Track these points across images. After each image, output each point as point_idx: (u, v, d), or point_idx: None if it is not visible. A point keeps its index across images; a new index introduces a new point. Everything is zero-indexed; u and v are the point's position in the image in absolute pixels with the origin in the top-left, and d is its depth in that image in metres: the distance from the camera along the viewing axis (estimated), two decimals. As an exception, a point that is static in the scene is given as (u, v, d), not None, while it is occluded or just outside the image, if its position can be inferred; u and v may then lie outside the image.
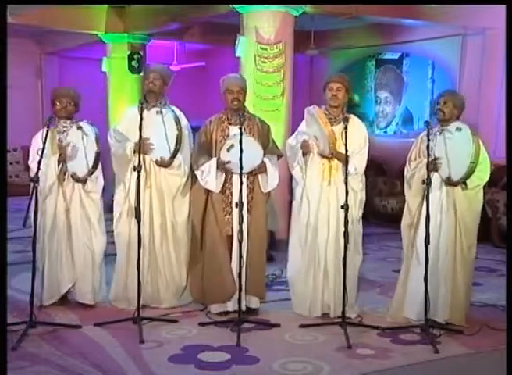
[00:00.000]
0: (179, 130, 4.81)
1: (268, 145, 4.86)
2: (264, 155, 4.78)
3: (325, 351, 4.18)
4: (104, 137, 5.01)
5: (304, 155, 4.78)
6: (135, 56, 10.40)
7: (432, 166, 4.46)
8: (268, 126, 4.99)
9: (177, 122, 4.82)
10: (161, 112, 4.80)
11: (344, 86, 4.76)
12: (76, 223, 4.91)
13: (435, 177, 4.52)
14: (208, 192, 4.81)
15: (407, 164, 4.77)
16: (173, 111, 4.89)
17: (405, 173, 4.77)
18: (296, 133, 4.94)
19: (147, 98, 4.93)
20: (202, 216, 4.83)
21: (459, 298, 4.60)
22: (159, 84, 4.92)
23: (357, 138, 4.75)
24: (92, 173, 4.81)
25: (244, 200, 4.69)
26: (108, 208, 5.13)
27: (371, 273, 6.13)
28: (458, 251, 4.57)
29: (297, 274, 4.92)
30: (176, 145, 4.81)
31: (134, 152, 4.80)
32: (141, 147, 4.64)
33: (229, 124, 4.81)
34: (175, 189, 4.95)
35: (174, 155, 4.84)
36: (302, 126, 4.89)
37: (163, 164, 4.87)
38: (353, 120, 4.80)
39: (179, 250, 5.02)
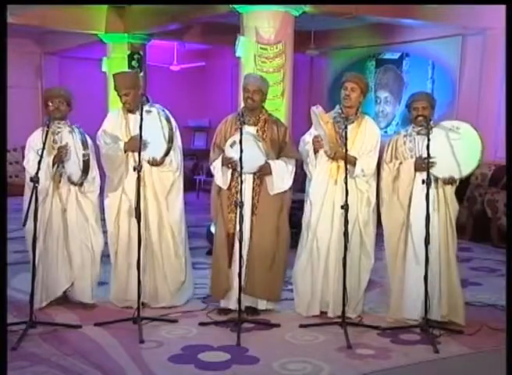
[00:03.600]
0: (171, 128, 4.79)
1: (284, 148, 4.84)
2: (280, 157, 4.78)
3: (325, 351, 4.19)
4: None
5: (315, 152, 4.77)
6: (135, 56, 10.41)
7: (426, 164, 4.45)
8: (286, 128, 4.96)
9: (168, 120, 4.80)
10: (150, 112, 4.74)
11: (359, 87, 4.72)
12: (73, 224, 4.89)
13: (424, 176, 4.49)
14: (220, 190, 4.85)
15: (384, 166, 4.76)
16: (164, 110, 4.86)
17: (383, 174, 4.76)
18: (310, 130, 4.92)
19: (128, 108, 4.90)
20: (216, 212, 4.89)
21: (455, 296, 4.62)
22: (132, 96, 4.83)
23: (369, 140, 4.75)
24: (85, 177, 4.79)
25: (248, 200, 4.70)
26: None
27: (371, 273, 6.11)
28: (450, 249, 4.62)
29: (298, 273, 4.92)
30: (169, 143, 4.79)
31: (125, 152, 4.83)
32: (141, 147, 4.62)
33: (244, 123, 4.78)
34: (168, 185, 4.94)
35: (167, 154, 4.84)
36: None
37: (155, 163, 4.86)
38: (367, 121, 4.81)
39: (177, 246, 5.01)
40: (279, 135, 4.85)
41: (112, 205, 4.98)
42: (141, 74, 10.42)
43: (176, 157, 4.92)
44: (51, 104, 4.85)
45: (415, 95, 4.73)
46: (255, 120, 4.81)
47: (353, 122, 4.69)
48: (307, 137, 4.86)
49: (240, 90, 4.93)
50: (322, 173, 4.77)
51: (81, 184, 4.85)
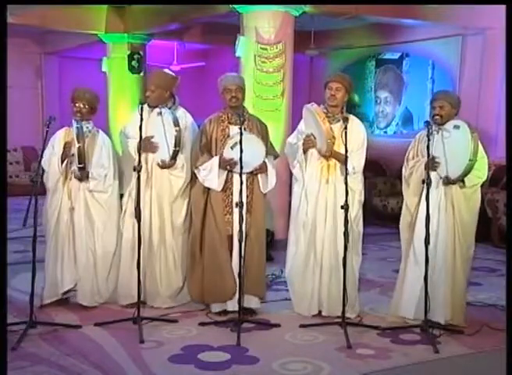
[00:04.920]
0: (178, 131, 4.77)
1: (266, 146, 4.86)
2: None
3: (325, 351, 4.18)
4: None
5: (304, 152, 4.78)
6: (135, 56, 10.41)
7: (431, 165, 4.46)
8: (266, 126, 5.00)
9: (176, 123, 4.78)
10: (161, 114, 4.78)
11: (344, 86, 4.75)
12: (80, 223, 4.90)
13: (434, 176, 4.51)
14: (208, 192, 4.81)
15: (405, 163, 4.78)
16: (172, 113, 4.85)
17: (403, 172, 4.78)
18: (296, 131, 4.95)
19: (148, 103, 4.91)
20: (202, 216, 4.82)
21: (459, 299, 4.60)
22: (156, 94, 4.88)
23: (356, 138, 4.75)
24: (81, 169, 4.77)
25: (244, 200, 4.70)
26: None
27: (371, 273, 6.12)
28: (457, 251, 4.57)
29: (295, 273, 4.92)
30: (175, 146, 4.78)
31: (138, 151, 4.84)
32: (142, 147, 4.63)
33: (229, 123, 4.80)
34: (176, 191, 4.94)
35: (174, 157, 4.83)
36: (301, 125, 4.90)
37: (164, 166, 4.87)
38: (353, 120, 4.80)
39: (178, 251, 5.01)
40: (262, 133, 4.88)
41: (124, 202, 5.02)
42: (141, 74, 10.47)
43: (187, 162, 4.89)
44: (74, 106, 4.90)
45: (435, 94, 4.77)
46: (240, 120, 4.76)
47: (339, 121, 4.69)
48: (293, 140, 4.88)
49: (221, 92, 4.89)
50: (314, 172, 4.77)
51: (87, 178, 4.84)
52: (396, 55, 10.51)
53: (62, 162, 4.81)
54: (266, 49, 7.28)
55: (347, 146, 4.48)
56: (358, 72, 10.78)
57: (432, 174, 4.49)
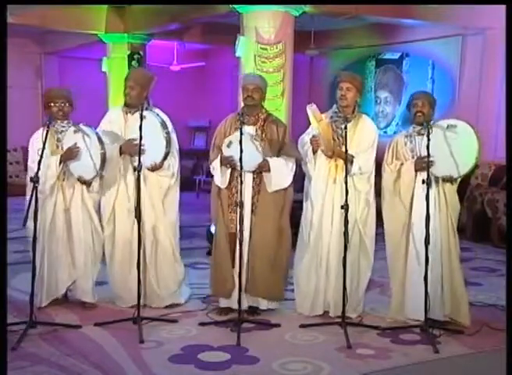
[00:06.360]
0: (167, 133, 4.75)
1: (284, 147, 4.83)
2: (279, 156, 4.76)
3: (325, 351, 4.18)
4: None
5: (314, 152, 4.77)
6: (135, 56, 10.41)
7: (426, 164, 4.45)
8: (285, 127, 4.95)
9: (164, 125, 4.76)
10: (144, 117, 4.64)
11: (354, 86, 4.73)
12: (78, 222, 4.89)
13: (424, 176, 4.49)
14: (220, 190, 4.84)
15: (385, 166, 4.78)
16: (158, 115, 4.82)
17: (386, 176, 4.78)
18: (309, 130, 4.93)
19: (127, 105, 4.91)
20: (216, 212, 4.88)
21: (460, 295, 4.61)
22: (136, 92, 4.85)
23: (366, 138, 4.76)
24: (101, 174, 4.78)
25: (248, 199, 4.70)
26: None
27: (371, 273, 6.11)
28: (452, 247, 4.61)
29: (301, 273, 4.91)
30: (166, 148, 4.76)
31: (121, 155, 4.82)
32: (140, 149, 4.60)
33: (243, 123, 4.77)
34: (164, 190, 4.94)
35: (165, 158, 4.81)
36: None
37: (155, 168, 4.85)
38: (364, 120, 4.82)
39: (175, 249, 5.01)
40: (278, 134, 4.84)
41: (107, 205, 4.98)
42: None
43: (173, 162, 4.91)
44: (53, 105, 4.85)
45: (415, 94, 4.77)
46: (254, 120, 4.81)
47: (350, 121, 4.69)
48: (305, 138, 4.87)
49: (240, 90, 4.94)
50: (321, 172, 4.77)
51: (90, 184, 4.85)
52: (396, 55, 10.51)
53: (60, 164, 4.77)
54: (266, 49, 7.28)
55: (354, 146, 4.52)
56: (358, 72, 10.69)
57: (424, 174, 4.47)
